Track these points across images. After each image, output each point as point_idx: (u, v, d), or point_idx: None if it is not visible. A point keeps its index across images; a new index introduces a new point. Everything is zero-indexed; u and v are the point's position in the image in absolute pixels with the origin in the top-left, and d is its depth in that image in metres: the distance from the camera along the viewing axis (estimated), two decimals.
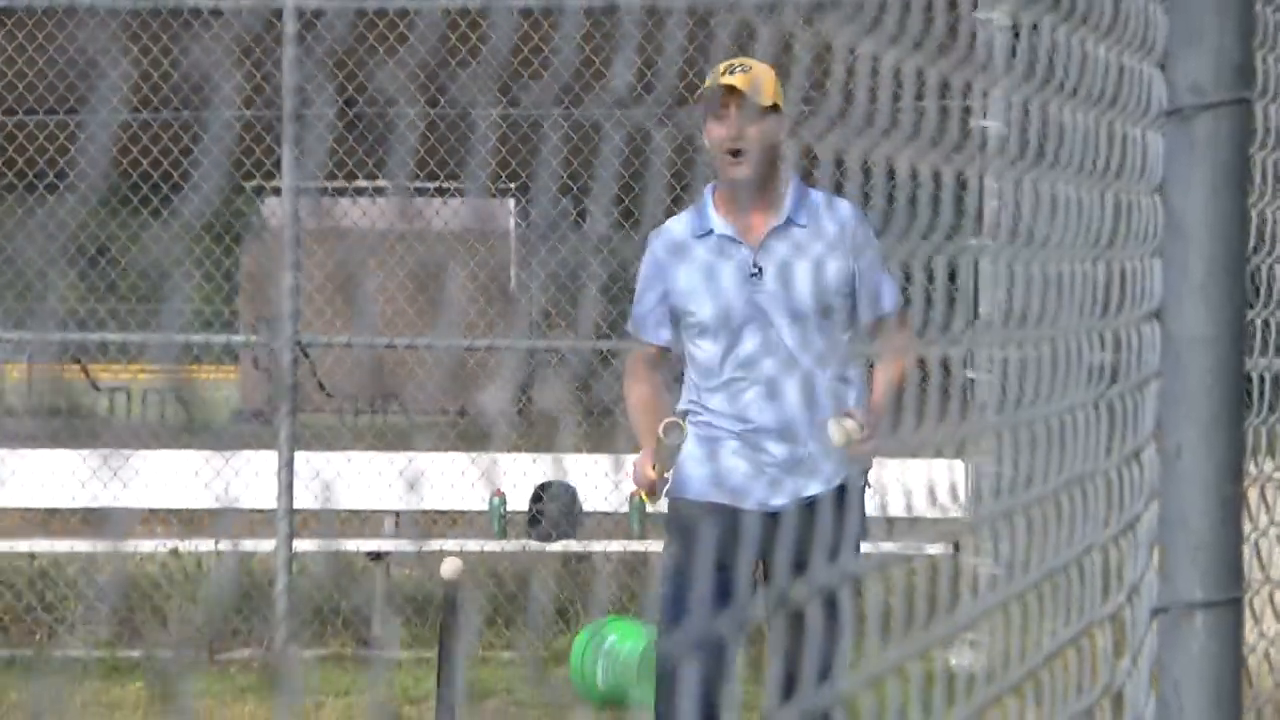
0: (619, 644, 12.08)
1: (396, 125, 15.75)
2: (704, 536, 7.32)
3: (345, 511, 15.20)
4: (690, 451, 7.22)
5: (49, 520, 16.36)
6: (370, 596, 14.74)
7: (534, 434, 20.07)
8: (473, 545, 14.06)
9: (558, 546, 14.36)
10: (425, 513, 15.41)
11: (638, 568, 15.06)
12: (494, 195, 22.04)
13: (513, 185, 21.27)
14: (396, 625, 14.68)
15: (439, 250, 21.85)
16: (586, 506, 14.77)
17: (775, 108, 7.18)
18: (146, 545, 15.35)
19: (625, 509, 14.57)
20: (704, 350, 7.26)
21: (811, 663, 6.33)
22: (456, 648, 10.02)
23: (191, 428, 23.81)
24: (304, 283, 15.55)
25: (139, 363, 27.66)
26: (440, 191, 19.66)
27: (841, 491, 7.18)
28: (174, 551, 14.88)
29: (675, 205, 11.19)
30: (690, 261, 7.32)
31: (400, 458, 16.10)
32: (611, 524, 14.98)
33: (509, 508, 14.47)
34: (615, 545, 14.88)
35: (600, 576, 14.85)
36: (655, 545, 13.94)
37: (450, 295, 21.88)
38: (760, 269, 7.21)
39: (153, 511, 15.72)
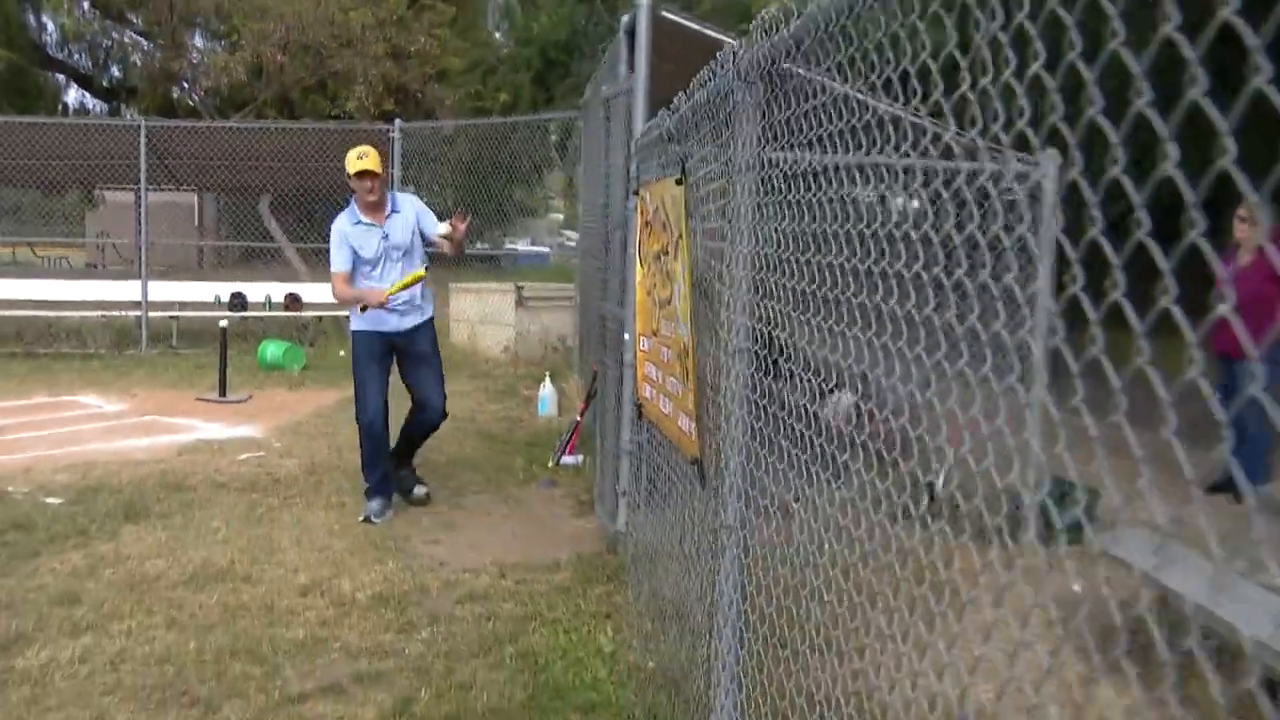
0: (275, 348, 15.84)
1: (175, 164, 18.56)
2: (369, 338, 8.33)
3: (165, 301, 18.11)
4: (364, 312, 8.11)
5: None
6: (170, 332, 17.94)
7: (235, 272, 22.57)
8: (217, 314, 16.31)
9: (239, 314, 17.61)
10: (202, 303, 18.28)
11: (274, 324, 18.23)
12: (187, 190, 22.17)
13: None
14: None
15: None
16: (250, 299, 18.02)
17: (379, 172, 8.09)
18: (72, 314, 18.30)
19: (268, 302, 18.18)
20: (369, 270, 8.25)
21: (434, 371, 8.52)
22: (225, 355, 13.48)
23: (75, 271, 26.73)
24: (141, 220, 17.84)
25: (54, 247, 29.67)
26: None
27: (429, 320, 8.50)
28: (101, 317, 17.99)
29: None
30: (355, 233, 8.16)
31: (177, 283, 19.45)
32: (260, 307, 18.02)
33: (223, 300, 17.87)
34: (263, 314, 18.17)
35: (259, 324, 18.06)
36: (277, 313, 18.06)
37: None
38: (387, 235, 8.15)
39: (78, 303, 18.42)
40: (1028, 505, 7.63)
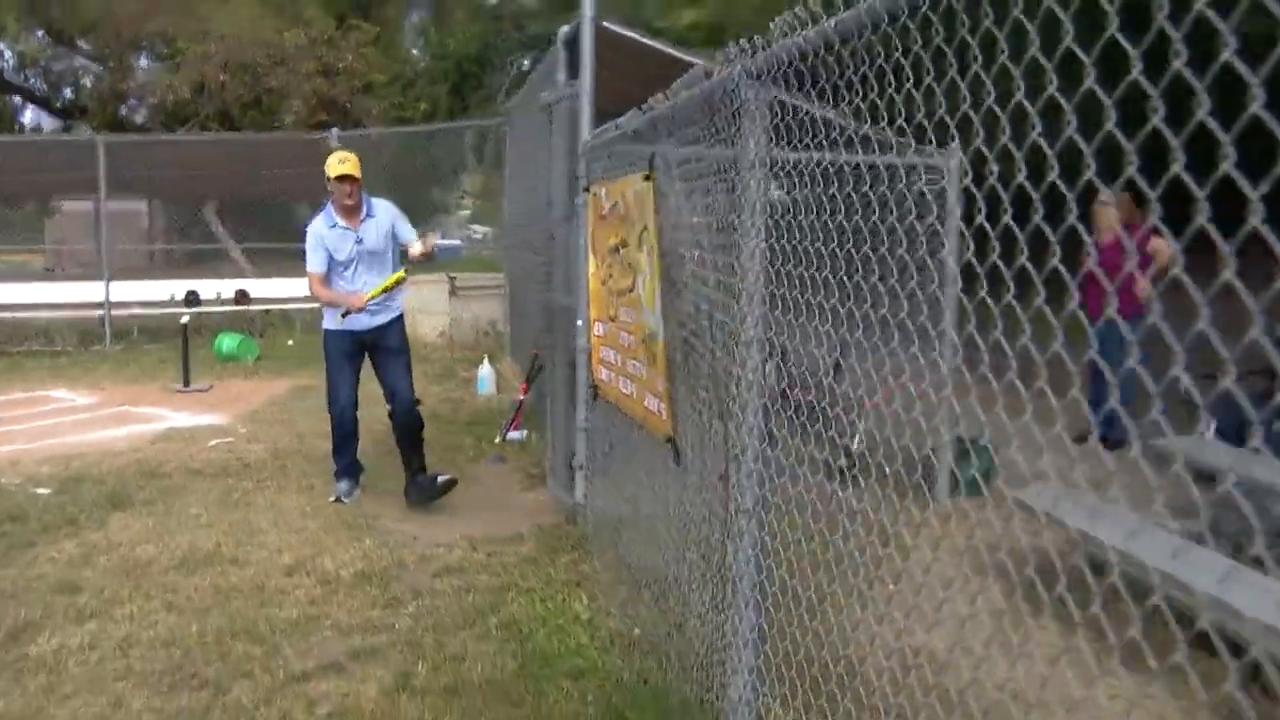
0: (230, 341, 15.23)
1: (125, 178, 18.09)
2: (340, 337, 7.75)
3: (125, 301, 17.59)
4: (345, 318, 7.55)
5: None
6: (131, 329, 17.27)
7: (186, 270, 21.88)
8: (175, 310, 16.54)
9: (195, 310, 16.70)
10: (159, 301, 17.95)
11: (226, 318, 17.74)
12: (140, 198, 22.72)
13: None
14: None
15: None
16: (203, 296, 17.85)
17: (359, 176, 7.53)
18: (39, 314, 17.68)
19: (219, 299, 18.05)
20: (342, 270, 7.69)
21: (401, 365, 7.82)
22: (187, 348, 13.05)
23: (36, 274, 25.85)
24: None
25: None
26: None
27: (398, 317, 7.84)
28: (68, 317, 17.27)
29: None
30: (331, 236, 7.58)
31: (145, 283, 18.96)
32: (215, 304, 17.79)
33: (178, 297, 17.76)
34: (215, 309, 17.82)
35: (209, 318, 17.27)
36: (227, 308, 18.02)
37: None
38: (360, 239, 7.60)
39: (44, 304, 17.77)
40: (938, 459, 7.50)
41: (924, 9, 2.16)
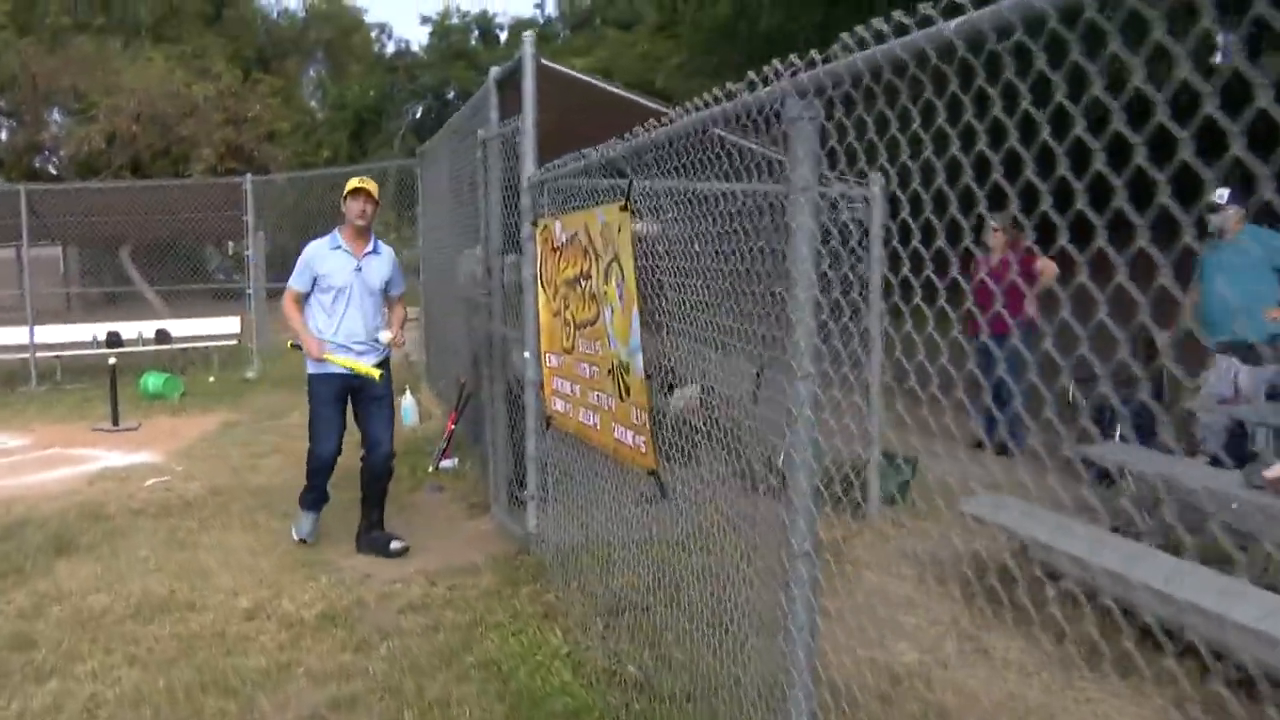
0: (155, 379, 14.27)
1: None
2: (325, 381, 6.83)
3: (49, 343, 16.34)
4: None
5: None
6: (55, 370, 16.15)
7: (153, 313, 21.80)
8: (98, 352, 16.06)
9: (120, 350, 15.68)
10: (82, 343, 16.81)
11: (146, 357, 16.65)
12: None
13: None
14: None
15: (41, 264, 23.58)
16: (124, 337, 16.66)
17: (378, 200, 6.90)
18: None
19: (140, 339, 16.94)
20: (329, 298, 6.89)
21: (385, 413, 7.07)
22: (115, 387, 12.19)
23: None
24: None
25: None
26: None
27: (384, 361, 6.96)
28: None
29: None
30: (328, 257, 6.89)
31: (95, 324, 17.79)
32: (137, 344, 16.74)
33: (100, 339, 16.55)
34: (139, 349, 16.61)
35: (132, 358, 16.18)
36: (149, 347, 17.04)
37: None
38: (360, 268, 6.87)
39: None
40: (865, 474, 7.23)
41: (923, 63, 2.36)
